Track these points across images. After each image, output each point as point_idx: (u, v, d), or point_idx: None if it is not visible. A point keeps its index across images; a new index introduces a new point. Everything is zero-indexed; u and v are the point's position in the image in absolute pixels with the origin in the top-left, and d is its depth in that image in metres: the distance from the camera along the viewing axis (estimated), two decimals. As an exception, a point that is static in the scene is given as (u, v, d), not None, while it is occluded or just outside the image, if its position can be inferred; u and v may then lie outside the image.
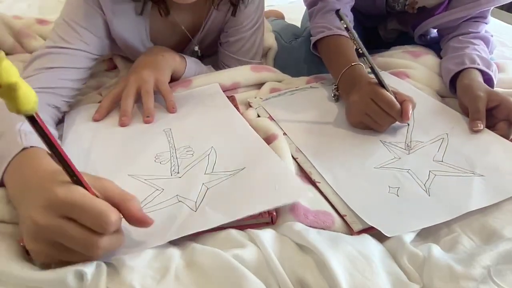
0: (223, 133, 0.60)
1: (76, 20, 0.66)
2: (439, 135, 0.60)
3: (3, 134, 0.48)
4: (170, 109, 0.67)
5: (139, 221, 0.37)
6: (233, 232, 0.42)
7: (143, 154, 0.56)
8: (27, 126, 0.48)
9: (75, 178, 0.35)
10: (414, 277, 0.39)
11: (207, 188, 0.48)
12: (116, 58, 0.86)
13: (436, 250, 0.40)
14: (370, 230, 0.44)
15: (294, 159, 0.56)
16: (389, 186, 0.51)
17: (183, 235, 0.41)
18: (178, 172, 0.52)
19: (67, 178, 0.35)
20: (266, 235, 0.41)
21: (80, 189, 0.35)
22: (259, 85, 0.78)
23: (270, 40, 0.91)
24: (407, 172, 0.53)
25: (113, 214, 0.35)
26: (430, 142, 0.59)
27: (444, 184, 0.51)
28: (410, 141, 0.59)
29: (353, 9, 0.82)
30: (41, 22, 1.02)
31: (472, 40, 0.77)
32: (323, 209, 0.47)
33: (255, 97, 0.74)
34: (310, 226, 0.44)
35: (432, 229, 0.46)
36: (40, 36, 0.95)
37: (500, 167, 0.53)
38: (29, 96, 0.29)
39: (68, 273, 0.34)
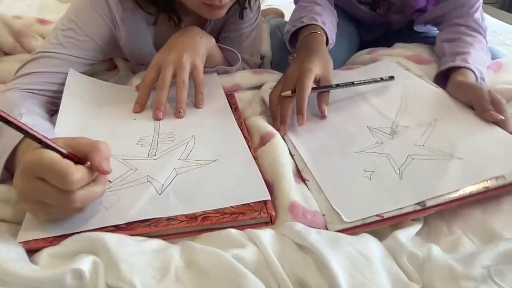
0: (207, 123, 0.61)
1: (80, 24, 0.66)
2: (427, 120, 0.59)
3: (1, 129, 0.49)
4: (197, 104, 0.65)
5: (98, 169, 0.39)
6: (233, 232, 0.42)
7: (128, 137, 0.58)
8: (26, 119, 0.50)
9: (43, 144, 0.38)
10: (414, 277, 0.39)
11: (177, 173, 0.50)
12: (116, 58, 0.86)
13: (436, 250, 0.40)
14: (346, 231, 0.44)
15: (292, 156, 0.56)
16: (364, 170, 0.51)
17: (141, 219, 0.43)
18: (154, 155, 0.54)
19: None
20: (266, 235, 0.41)
21: (48, 152, 0.38)
22: (259, 87, 0.78)
23: (265, 47, 0.92)
24: (385, 156, 0.53)
25: (75, 173, 0.37)
26: (416, 127, 0.58)
27: (419, 168, 0.50)
28: (396, 126, 0.59)
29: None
30: (41, 21, 1.02)
31: (471, 33, 0.78)
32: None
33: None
34: (309, 226, 0.44)
35: (432, 230, 0.46)
36: (40, 35, 0.95)
37: (482, 150, 0.52)
38: None
39: (66, 273, 0.34)
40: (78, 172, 0.38)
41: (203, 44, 0.68)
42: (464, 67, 0.68)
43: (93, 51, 0.69)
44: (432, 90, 0.67)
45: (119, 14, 0.68)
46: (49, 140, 0.38)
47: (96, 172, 0.40)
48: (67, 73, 0.65)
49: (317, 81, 0.63)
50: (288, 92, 0.61)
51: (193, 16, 0.72)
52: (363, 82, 0.68)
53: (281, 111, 0.61)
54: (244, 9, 0.77)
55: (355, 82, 0.67)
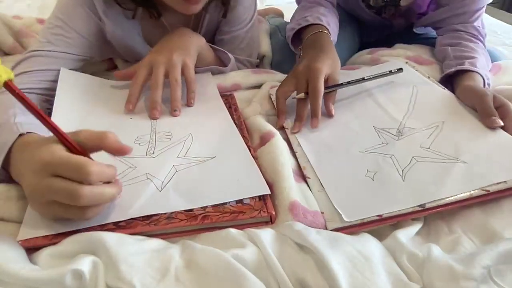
0: (204, 122, 0.62)
1: (67, 21, 0.66)
2: (434, 122, 0.59)
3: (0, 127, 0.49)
4: (189, 102, 0.65)
5: (118, 151, 0.41)
6: (233, 232, 0.42)
7: (125, 135, 0.57)
8: (21, 119, 0.50)
9: (63, 141, 0.40)
10: (414, 277, 0.39)
11: (176, 171, 0.50)
12: (116, 57, 0.86)
13: (436, 250, 0.40)
14: (344, 230, 0.44)
15: (294, 153, 0.57)
16: (367, 170, 0.51)
17: (143, 215, 0.43)
18: (153, 153, 0.54)
19: (49, 141, 0.40)
20: (266, 234, 0.41)
21: (60, 148, 0.39)
22: (259, 87, 0.78)
23: (265, 47, 0.91)
24: (390, 157, 0.53)
25: (92, 165, 0.38)
26: (423, 129, 0.58)
27: (423, 170, 0.50)
28: (403, 128, 0.59)
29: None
30: (41, 21, 1.03)
31: (472, 39, 0.78)
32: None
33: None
34: (309, 226, 0.44)
35: (432, 229, 0.46)
36: (40, 35, 0.95)
37: (487, 155, 0.51)
38: (3, 67, 0.36)
39: (66, 273, 0.34)
40: (95, 166, 0.38)
41: (192, 44, 0.69)
42: (473, 71, 0.68)
43: (83, 46, 0.69)
44: (441, 92, 0.66)
45: (101, 7, 0.67)
46: (66, 134, 0.40)
47: (117, 155, 0.42)
48: (59, 70, 0.65)
49: (325, 80, 0.63)
50: (302, 95, 0.62)
51: (173, 11, 0.73)
52: (373, 77, 0.68)
53: (297, 111, 0.62)
54: (226, 7, 0.76)
55: (365, 78, 0.67)
